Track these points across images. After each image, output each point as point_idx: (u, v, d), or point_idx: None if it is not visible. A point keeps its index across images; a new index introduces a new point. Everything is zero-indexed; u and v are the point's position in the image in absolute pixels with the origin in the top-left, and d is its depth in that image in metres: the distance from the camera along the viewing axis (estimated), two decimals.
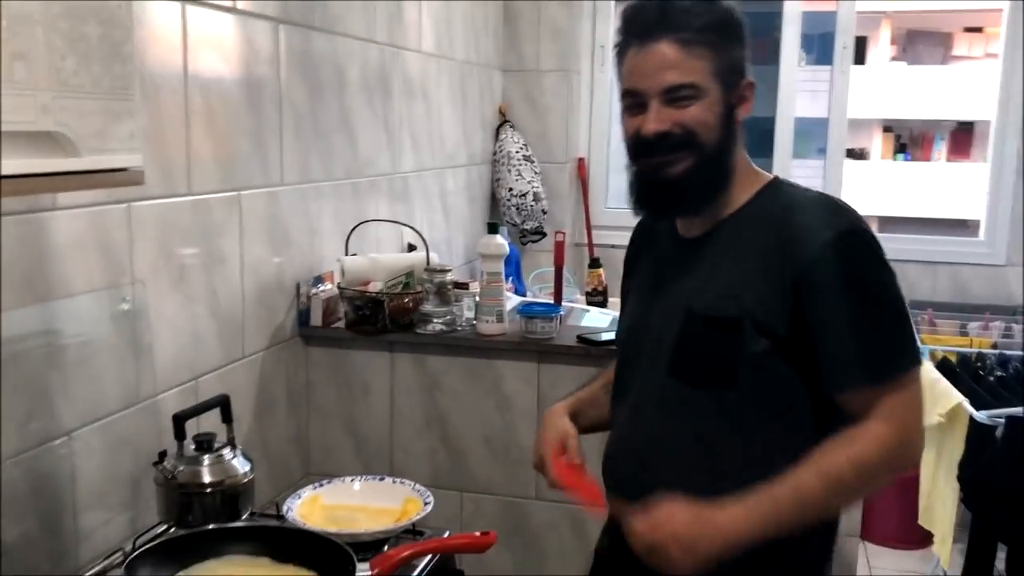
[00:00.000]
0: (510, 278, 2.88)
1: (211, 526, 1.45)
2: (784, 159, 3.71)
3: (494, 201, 3.55)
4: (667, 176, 1.23)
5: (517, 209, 3.44)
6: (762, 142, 3.61)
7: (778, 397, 1.21)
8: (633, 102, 1.24)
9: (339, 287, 2.17)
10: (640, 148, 1.24)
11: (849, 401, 1.19)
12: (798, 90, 3.73)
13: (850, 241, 1.19)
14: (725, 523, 1.13)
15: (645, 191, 1.28)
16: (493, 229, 2.16)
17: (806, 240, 1.18)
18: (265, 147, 2.00)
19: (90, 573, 1.44)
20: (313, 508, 1.57)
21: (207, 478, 1.51)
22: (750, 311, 1.19)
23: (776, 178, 1.32)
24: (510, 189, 3.43)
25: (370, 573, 1.26)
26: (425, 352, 2.18)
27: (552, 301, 2.48)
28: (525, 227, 3.49)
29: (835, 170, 3.73)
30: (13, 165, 0.81)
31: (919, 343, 1.25)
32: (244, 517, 1.54)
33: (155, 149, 1.65)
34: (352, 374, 2.21)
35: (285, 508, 1.53)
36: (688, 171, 1.22)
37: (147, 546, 1.33)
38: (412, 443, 2.23)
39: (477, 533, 1.34)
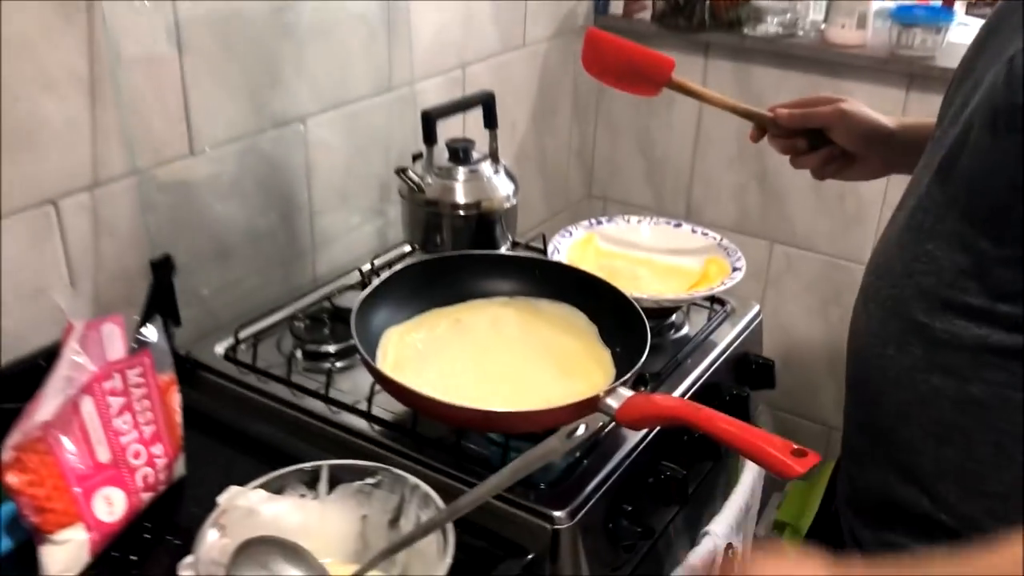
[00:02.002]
0: None
1: (474, 252, 1.14)
2: None
3: None
4: None
5: None
6: None
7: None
8: None
9: None
10: None
11: None
12: None
13: None
14: None
15: None
16: None
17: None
18: None
19: (322, 291, 1.22)
20: (586, 252, 1.21)
21: (460, 197, 1.19)
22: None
23: None
24: None
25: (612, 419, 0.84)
26: (750, 60, 1.68)
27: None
28: None
29: None
30: None
31: None
32: (503, 249, 1.23)
33: None
34: None
35: (551, 248, 1.19)
36: None
37: (388, 275, 1.05)
38: (718, 175, 1.79)
39: (791, 448, 0.71)
